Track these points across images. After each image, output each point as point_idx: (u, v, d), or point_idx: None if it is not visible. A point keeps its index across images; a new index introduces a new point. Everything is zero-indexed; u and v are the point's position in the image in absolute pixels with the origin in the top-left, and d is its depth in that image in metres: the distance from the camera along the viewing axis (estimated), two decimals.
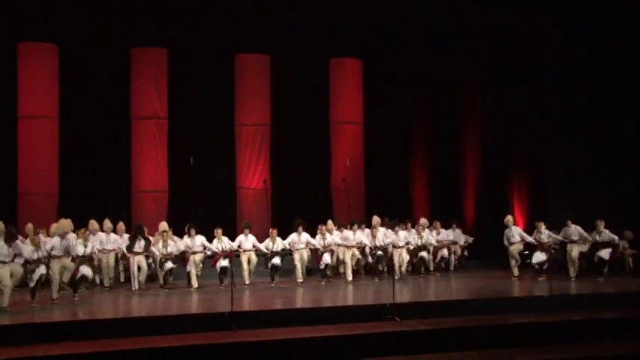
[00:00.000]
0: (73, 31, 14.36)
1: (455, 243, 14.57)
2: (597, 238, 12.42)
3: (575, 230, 12.41)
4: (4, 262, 9.46)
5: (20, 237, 10.58)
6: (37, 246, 10.07)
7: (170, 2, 14.66)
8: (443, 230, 14.38)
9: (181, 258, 11.97)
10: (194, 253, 11.86)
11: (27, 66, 14.45)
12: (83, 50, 14.53)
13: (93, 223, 12.05)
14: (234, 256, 12.10)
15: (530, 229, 13.23)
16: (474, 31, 16.85)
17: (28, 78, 14.42)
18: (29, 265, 9.87)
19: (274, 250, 12.29)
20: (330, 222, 13.05)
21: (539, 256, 12.34)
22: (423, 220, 13.75)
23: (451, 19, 16.36)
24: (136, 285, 11.55)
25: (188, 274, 11.96)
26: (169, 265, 11.75)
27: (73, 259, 10.51)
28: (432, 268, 13.96)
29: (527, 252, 13.43)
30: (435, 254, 13.90)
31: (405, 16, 15.97)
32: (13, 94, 14.35)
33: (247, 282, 12.08)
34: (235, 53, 15.91)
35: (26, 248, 9.92)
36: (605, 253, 12.26)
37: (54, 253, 10.14)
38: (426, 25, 16.55)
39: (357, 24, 15.86)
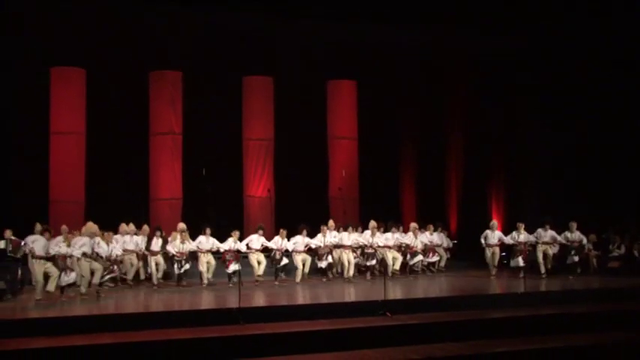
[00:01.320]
0: (99, 57, 14.42)
1: (439, 246, 14.50)
2: (569, 236, 12.45)
3: (549, 233, 12.45)
4: (42, 258, 9.60)
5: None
6: (68, 243, 10.14)
7: (184, 30, 14.70)
8: (427, 233, 14.25)
9: (194, 257, 11.95)
10: (206, 251, 11.81)
11: (58, 87, 14.53)
12: (108, 73, 14.56)
13: (123, 226, 12.02)
14: (241, 257, 12.07)
15: (506, 231, 13.24)
16: (457, 55, 16.92)
17: (59, 98, 14.49)
18: (62, 262, 9.92)
19: (283, 246, 12.19)
20: (331, 221, 13.02)
21: (517, 262, 12.29)
22: (414, 225, 13.70)
23: (436, 46, 16.44)
24: (155, 281, 11.54)
25: (200, 272, 11.95)
26: (187, 266, 11.73)
27: (96, 259, 10.54)
28: (419, 269, 13.88)
29: (504, 254, 13.45)
30: (425, 255, 13.76)
31: (396, 42, 16.03)
32: (46, 113, 14.40)
33: (256, 278, 11.96)
34: (243, 75, 15.97)
35: (56, 246, 9.96)
36: (574, 258, 12.47)
37: (84, 250, 10.16)
38: (414, 50, 16.61)
39: (352, 49, 15.90)
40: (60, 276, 9.81)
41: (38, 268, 9.67)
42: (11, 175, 13.82)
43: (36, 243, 9.77)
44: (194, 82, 15.40)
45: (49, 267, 9.68)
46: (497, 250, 12.86)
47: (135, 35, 14.49)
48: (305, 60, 15.62)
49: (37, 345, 7.04)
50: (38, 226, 11.55)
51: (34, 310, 9.03)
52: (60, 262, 9.90)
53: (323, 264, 12.50)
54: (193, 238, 12.06)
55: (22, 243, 11.30)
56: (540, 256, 12.50)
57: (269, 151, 15.98)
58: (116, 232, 11.81)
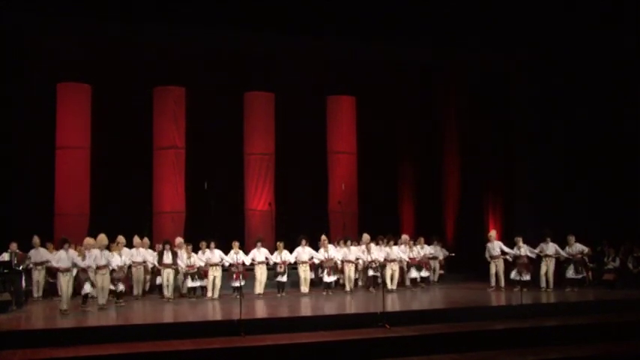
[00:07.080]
0: (105, 73, 14.51)
1: (435, 258, 14.43)
2: (569, 250, 12.44)
3: (552, 246, 12.40)
4: (66, 271, 9.83)
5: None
6: (82, 256, 10.21)
7: (187, 47, 14.80)
8: (426, 246, 14.20)
9: (203, 272, 11.94)
10: (214, 265, 11.81)
11: (64, 103, 14.58)
12: (112, 89, 14.64)
13: (121, 238, 12.00)
14: (247, 270, 12.06)
15: (504, 243, 13.20)
16: (452, 71, 17.03)
17: (65, 113, 14.54)
18: (82, 273, 10.12)
19: (282, 259, 12.20)
20: (323, 236, 12.90)
21: (518, 275, 12.20)
22: (405, 237, 13.65)
23: (432, 61, 16.54)
24: (166, 293, 11.57)
25: (205, 286, 11.94)
26: (198, 282, 11.83)
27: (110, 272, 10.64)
28: (418, 281, 13.83)
29: None
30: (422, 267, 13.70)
31: (394, 58, 16.12)
32: (52, 127, 14.45)
33: (258, 292, 11.98)
34: (244, 91, 16.03)
35: (78, 258, 10.14)
36: (573, 273, 12.41)
37: (97, 263, 10.21)
38: (410, 67, 16.71)
39: (351, 66, 16.00)
40: (83, 287, 10.07)
41: (63, 280, 9.88)
42: (17, 189, 13.84)
43: (61, 259, 9.95)
44: (197, 97, 15.46)
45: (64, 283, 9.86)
46: (501, 262, 12.76)
47: (139, 52, 14.59)
48: (305, 76, 15.71)
49: (42, 356, 7.04)
50: (36, 239, 11.58)
51: (39, 321, 9.02)
52: (81, 273, 10.11)
53: (329, 278, 12.43)
54: (194, 251, 12.04)
55: (27, 256, 11.36)
56: (544, 269, 12.44)
57: (270, 165, 16.02)
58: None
